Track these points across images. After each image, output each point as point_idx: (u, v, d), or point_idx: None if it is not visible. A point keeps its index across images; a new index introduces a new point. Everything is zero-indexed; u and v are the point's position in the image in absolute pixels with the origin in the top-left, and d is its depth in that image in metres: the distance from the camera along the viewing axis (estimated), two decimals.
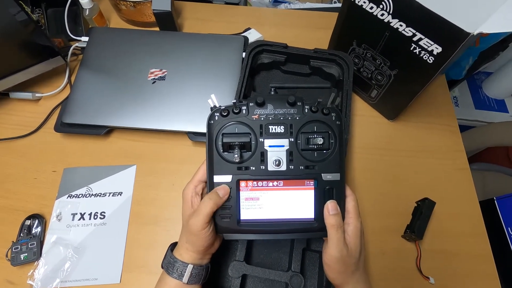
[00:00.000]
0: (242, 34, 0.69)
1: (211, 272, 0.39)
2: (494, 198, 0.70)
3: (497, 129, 0.89)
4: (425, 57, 0.45)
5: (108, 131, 0.57)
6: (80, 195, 0.53)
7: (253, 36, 0.69)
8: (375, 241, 0.52)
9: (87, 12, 0.64)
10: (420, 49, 0.45)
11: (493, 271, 0.51)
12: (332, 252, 0.34)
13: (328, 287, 0.45)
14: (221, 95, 0.58)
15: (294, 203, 0.36)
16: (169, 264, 0.36)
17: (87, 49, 0.62)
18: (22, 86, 0.60)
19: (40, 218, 0.50)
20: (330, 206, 0.34)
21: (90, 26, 0.67)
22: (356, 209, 0.36)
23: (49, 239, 0.49)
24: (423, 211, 0.52)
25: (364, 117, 0.63)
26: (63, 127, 0.57)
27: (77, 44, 0.64)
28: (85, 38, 0.63)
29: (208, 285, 0.42)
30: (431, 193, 0.54)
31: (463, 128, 0.65)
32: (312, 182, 0.36)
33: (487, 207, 0.70)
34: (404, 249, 0.52)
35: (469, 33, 0.38)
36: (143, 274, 0.48)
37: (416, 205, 0.54)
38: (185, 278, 0.35)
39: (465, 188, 0.57)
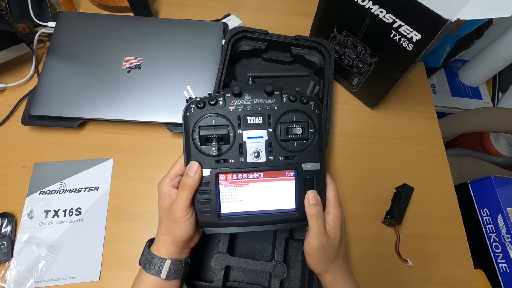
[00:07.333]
0: (222, 21, 0.66)
1: (194, 264, 0.38)
2: (468, 182, 0.73)
3: (472, 115, 0.92)
4: (405, 44, 0.45)
5: (82, 123, 0.54)
6: (53, 191, 0.51)
7: (233, 22, 0.67)
8: (355, 227, 0.53)
9: None
10: (400, 36, 0.45)
11: (467, 251, 0.53)
12: (312, 241, 0.34)
13: (310, 275, 0.46)
14: (200, 83, 0.55)
15: (275, 194, 0.36)
16: (146, 260, 0.35)
17: (55, 36, 0.58)
18: None
19: (9, 217, 0.47)
20: (310, 196, 0.34)
21: (57, 11, 0.62)
22: (336, 198, 0.36)
23: (21, 238, 0.47)
24: (402, 196, 0.53)
25: (345, 105, 0.63)
26: (31, 120, 0.53)
27: (43, 30, 0.59)
28: (52, 24, 0.59)
29: (191, 277, 0.42)
30: (410, 179, 0.55)
31: (440, 115, 0.66)
32: (292, 173, 0.35)
33: (461, 190, 0.73)
34: (383, 234, 0.53)
35: (447, 20, 0.38)
36: (124, 270, 0.47)
37: (395, 191, 0.55)
38: (163, 274, 0.34)
39: (441, 173, 0.59)
